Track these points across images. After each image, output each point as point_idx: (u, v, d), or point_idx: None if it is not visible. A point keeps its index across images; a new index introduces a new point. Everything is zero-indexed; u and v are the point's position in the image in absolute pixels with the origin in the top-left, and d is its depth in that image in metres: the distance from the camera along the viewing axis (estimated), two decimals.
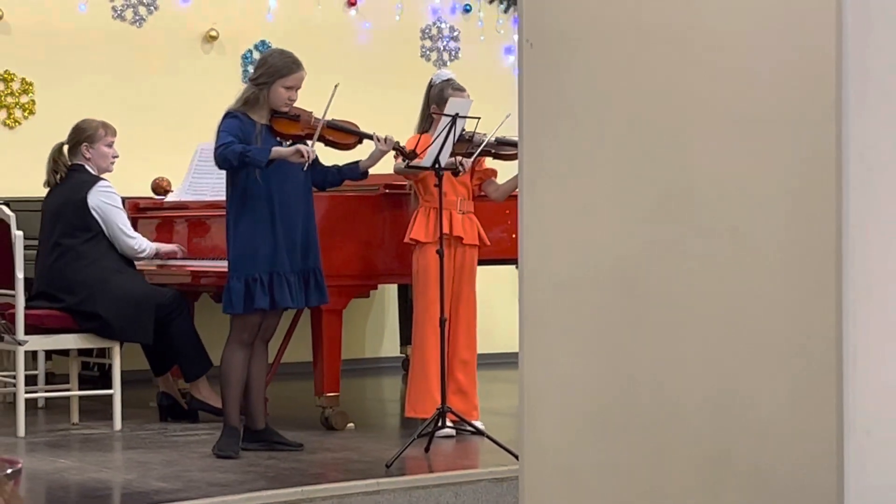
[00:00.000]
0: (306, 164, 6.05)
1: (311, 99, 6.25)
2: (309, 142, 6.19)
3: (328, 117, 6.23)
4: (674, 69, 2.97)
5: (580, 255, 3.16)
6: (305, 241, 6.17)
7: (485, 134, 6.62)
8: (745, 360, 2.83)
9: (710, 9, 2.91)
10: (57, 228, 6.99)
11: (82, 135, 7.09)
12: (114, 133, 7.14)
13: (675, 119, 2.96)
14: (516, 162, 7.01)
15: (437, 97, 6.71)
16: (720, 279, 2.87)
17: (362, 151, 6.53)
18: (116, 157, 7.16)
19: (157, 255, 7.26)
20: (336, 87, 5.96)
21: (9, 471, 3.01)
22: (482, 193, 6.94)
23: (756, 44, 2.82)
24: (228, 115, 6.11)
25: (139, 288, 7.01)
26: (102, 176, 7.08)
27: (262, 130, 6.13)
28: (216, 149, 6.01)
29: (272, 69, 6.16)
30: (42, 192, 7.24)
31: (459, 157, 6.53)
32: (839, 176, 2.66)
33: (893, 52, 2.71)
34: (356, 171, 6.45)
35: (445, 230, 6.53)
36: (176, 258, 7.33)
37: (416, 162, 6.42)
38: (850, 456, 2.65)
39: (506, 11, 10.21)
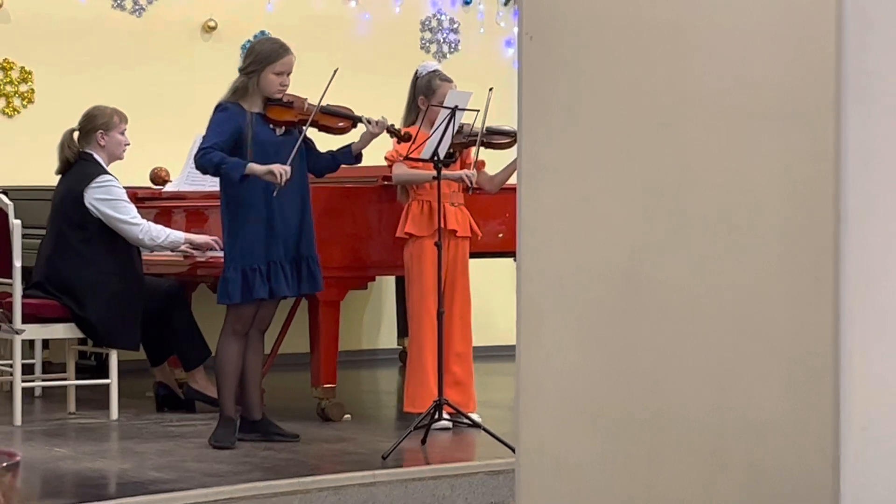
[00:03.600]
0: (278, 186, 5.95)
1: (312, 88, 6.24)
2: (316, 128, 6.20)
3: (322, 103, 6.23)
4: (673, 63, 2.96)
5: (578, 248, 3.16)
6: (299, 228, 6.16)
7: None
8: (742, 355, 2.82)
9: (710, 4, 2.91)
10: (60, 218, 6.92)
11: (96, 122, 6.94)
12: (126, 120, 7.02)
13: (673, 113, 2.96)
14: (506, 151, 7.04)
15: (424, 88, 6.69)
16: (717, 274, 2.87)
17: (356, 136, 6.50)
18: (128, 144, 7.03)
19: (193, 246, 6.98)
20: (335, 71, 5.96)
21: (5, 464, 3.00)
22: (477, 186, 6.91)
23: (755, 39, 2.81)
24: (218, 107, 6.12)
25: (131, 294, 6.87)
26: (111, 166, 6.97)
27: (254, 118, 6.12)
28: (198, 151, 6.05)
29: (260, 56, 6.15)
30: (41, 180, 7.20)
31: (466, 172, 6.57)
32: (837, 172, 2.66)
33: (892, 49, 2.71)
34: (349, 155, 6.42)
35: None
36: (214, 250, 6.91)
37: (414, 154, 6.41)
38: (846, 452, 2.65)
39: (506, 4, 10.20)
